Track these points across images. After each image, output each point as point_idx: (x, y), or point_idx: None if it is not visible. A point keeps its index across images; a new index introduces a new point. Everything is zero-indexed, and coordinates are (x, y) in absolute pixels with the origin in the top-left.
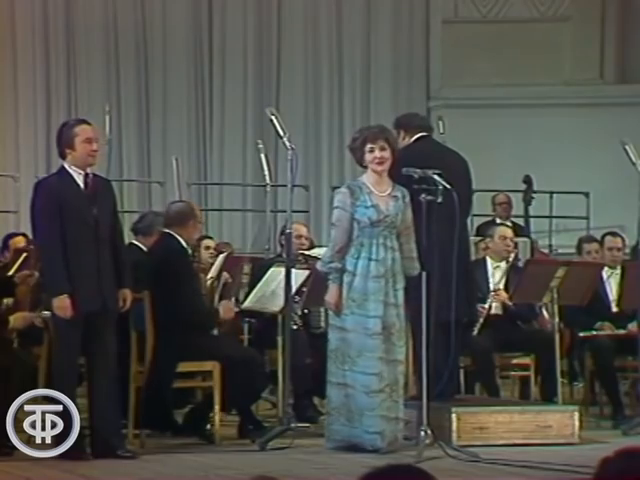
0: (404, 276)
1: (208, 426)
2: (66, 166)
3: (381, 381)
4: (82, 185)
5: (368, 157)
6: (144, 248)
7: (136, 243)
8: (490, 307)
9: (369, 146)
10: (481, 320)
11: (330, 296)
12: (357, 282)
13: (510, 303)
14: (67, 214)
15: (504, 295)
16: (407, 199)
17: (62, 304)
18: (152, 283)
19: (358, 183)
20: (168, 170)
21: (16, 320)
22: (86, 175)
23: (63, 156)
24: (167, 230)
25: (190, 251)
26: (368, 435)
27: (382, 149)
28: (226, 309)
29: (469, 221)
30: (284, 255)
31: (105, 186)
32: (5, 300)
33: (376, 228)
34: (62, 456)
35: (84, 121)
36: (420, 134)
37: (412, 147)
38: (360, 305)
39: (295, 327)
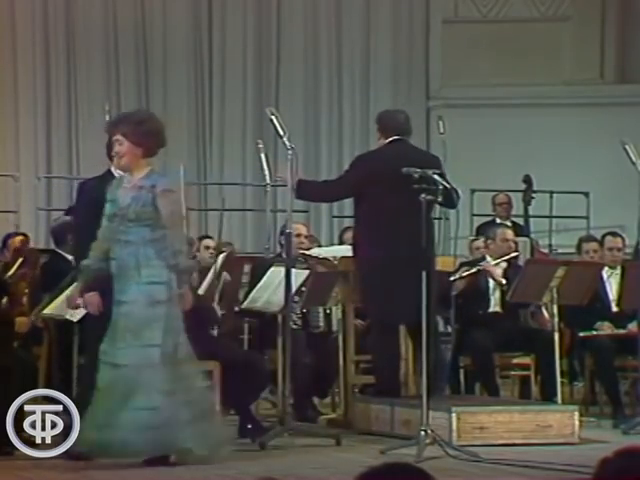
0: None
1: None
2: (112, 169)
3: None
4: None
5: None
6: None
7: None
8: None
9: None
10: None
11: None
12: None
13: (501, 279)
14: (95, 217)
15: (493, 268)
16: (160, 188)
17: (92, 300)
18: None
19: (121, 176)
20: (168, 170)
21: (20, 325)
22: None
23: (110, 158)
24: None
25: None
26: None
27: (119, 144)
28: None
29: (469, 220)
30: (284, 255)
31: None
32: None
33: (112, 223)
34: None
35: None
36: (394, 137)
37: (379, 150)
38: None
39: (295, 327)
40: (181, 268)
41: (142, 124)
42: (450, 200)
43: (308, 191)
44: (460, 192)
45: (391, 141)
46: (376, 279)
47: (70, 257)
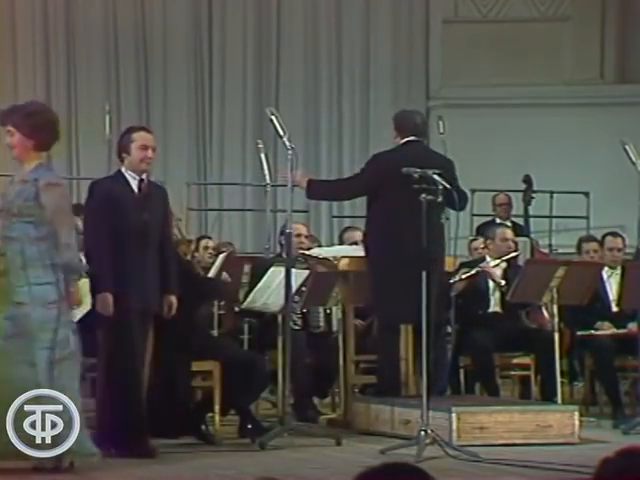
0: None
1: (203, 426)
2: (122, 170)
3: None
4: (136, 189)
5: None
6: None
7: None
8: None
9: None
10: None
11: None
12: None
13: (500, 281)
14: (118, 216)
15: (492, 269)
16: (43, 182)
17: (104, 301)
18: None
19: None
20: (168, 170)
21: None
22: (141, 180)
23: (121, 160)
24: None
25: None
26: None
27: (10, 135)
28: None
29: (469, 220)
30: (284, 255)
31: (159, 192)
32: None
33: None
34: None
35: (143, 128)
36: (410, 138)
37: (395, 150)
38: None
39: (296, 327)
40: (70, 266)
41: (33, 116)
42: (451, 200)
43: (321, 190)
44: (463, 195)
45: (407, 141)
46: (387, 279)
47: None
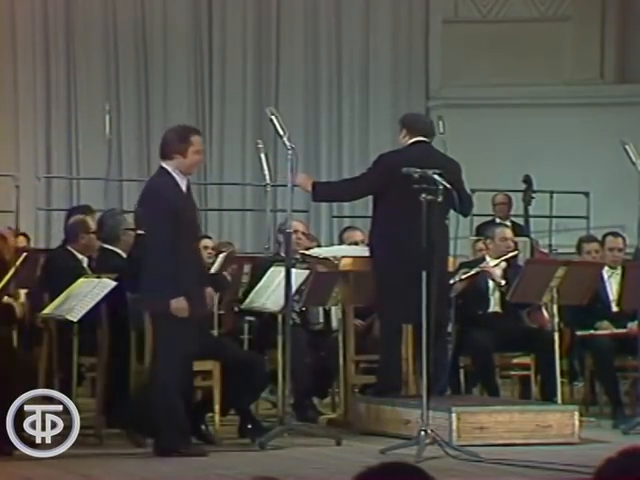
0: None
1: (203, 427)
2: (169, 169)
3: None
4: (184, 189)
5: None
6: (120, 252)
7: (111, 248)
8: (478, 273)
9: None
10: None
11: None
12: None
13: (500, 280)
14: (175, 216)
15: (492, 269)
16: None
17: (180, 305)
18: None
19: None
20: None
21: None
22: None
23: (168, 158)
24: (140, 232)
25: None
26: None
27: None
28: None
29: (469, 220)
30: (282, 253)
31: (190, 190)
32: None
33: None
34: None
35: (198, 131)
36: (418, 138)
37: (402, 151)
38: None
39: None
40: None
41: None
42: (451, 200)
43: (327, 192)
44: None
45: (415, 142)
46: (391, 279)
47: (80, 256)
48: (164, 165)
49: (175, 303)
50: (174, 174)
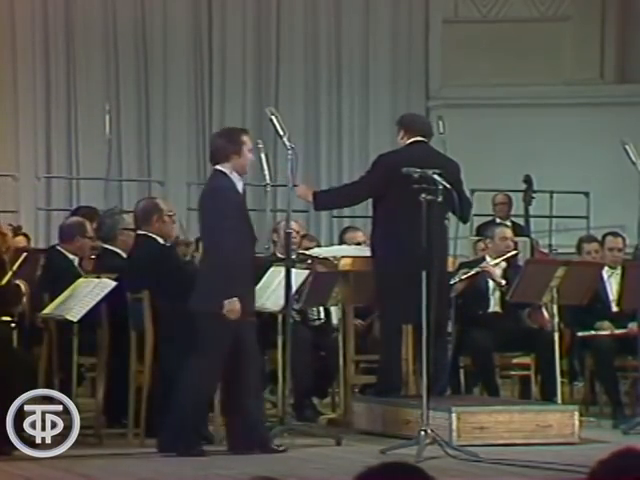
0: None
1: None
2: (226, 171)
3: None
4: (240, 190)
5: None
6: (120, 252)
7: (111, 248)
8: (478, 273)
9: None
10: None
11: None
12: None
13: (500, 280)
14: (235, 217)
15: (492, 269)
16: None
17: (233, 307)
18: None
19: None
20: (168, 170)
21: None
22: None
23: (224, 161)
24: (140, 231)
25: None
26: None
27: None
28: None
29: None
30: (277, 253)
31: (245, 192)
32: None
33: None
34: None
35: (246, 131)
36: (417, 138)
37: (400, 151)
38: None
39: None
40: None
41: None
42: (451, 201)
43: (328, 200)
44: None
45: (413, 142)
46: (392, 279)
47: (71, 256)
48: (220, 168)
49: (229, 305)
50: (231, 176)
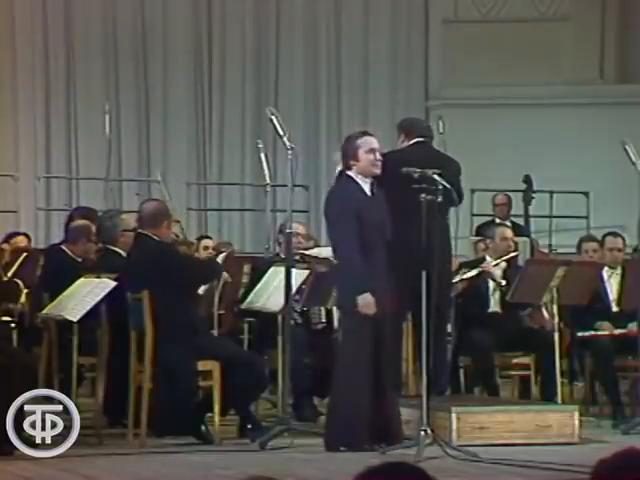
0: None
1: (203, 427)
2: (352, 175)
3: None
4: (368, 192)
5: None
6: (120, 252)
7: (111, 248)
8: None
9: None
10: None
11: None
12: None
13: (501, 281)
14: (360, 219)
15: (493, 269)
16: None
17: (367, 301)
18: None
19: None
20: (168, 170)
21: None
22: (371, 183)
23: (349, 167)
24: (141, 231)
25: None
26: None
27: None
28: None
29: (469, 220)
30: (281, 254)
31: (380, 193)
32: None
33: None
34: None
35: (366, 132)
36: (418, 139)
37: (403, 150)
38: None
39: (294, 323)
40: None
41: None
42: (450, 200)
43: None
44: (460, 195)
45: (415, 142)
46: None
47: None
48: (347, 172)
49: (362, 300)
50: (357, 179)
